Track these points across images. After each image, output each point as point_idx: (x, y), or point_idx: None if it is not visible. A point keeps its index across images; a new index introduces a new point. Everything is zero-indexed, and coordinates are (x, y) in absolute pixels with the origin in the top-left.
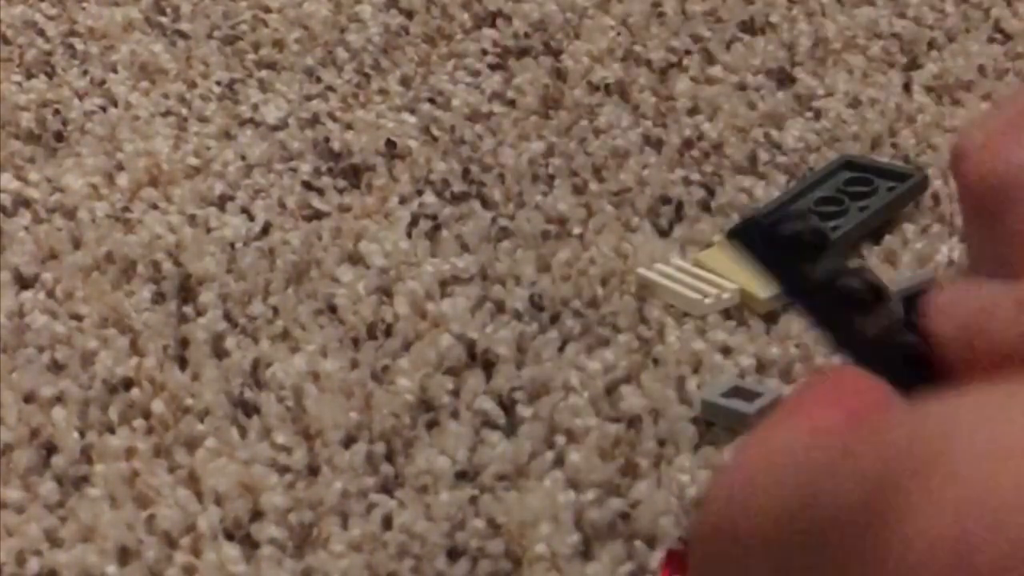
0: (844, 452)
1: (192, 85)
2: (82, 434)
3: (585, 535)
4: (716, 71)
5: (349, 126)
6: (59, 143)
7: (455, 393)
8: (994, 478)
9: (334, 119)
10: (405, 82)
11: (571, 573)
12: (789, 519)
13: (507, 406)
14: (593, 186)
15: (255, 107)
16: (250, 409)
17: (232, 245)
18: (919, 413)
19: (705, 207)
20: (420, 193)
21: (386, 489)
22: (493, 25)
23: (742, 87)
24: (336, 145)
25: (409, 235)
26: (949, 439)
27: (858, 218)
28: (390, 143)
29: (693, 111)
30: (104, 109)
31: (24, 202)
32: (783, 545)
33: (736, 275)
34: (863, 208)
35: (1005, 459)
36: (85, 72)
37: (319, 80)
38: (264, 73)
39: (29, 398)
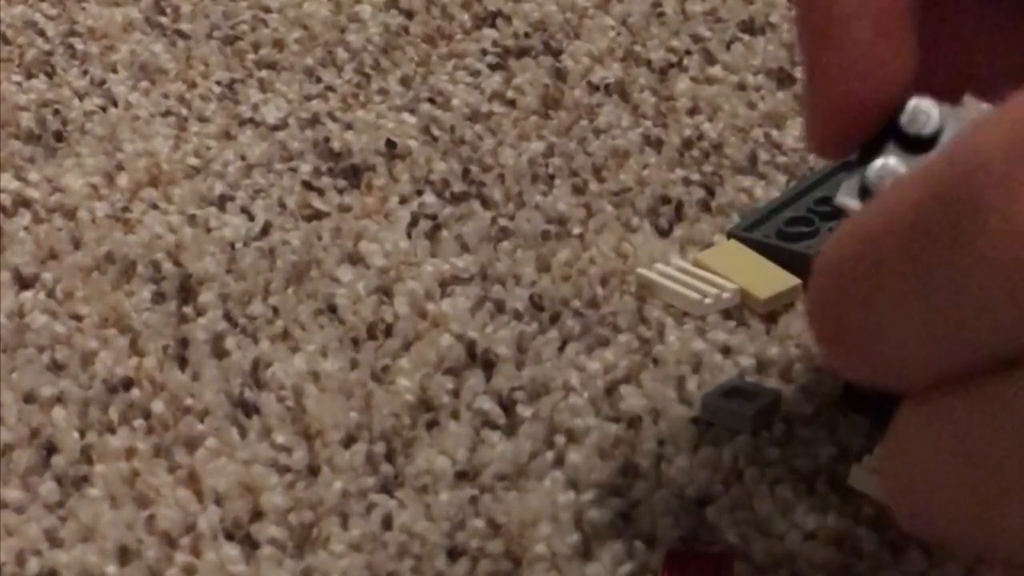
0: (960, 144)
1: (192, 85)
2: (82, 434)
3: (585, 535)
4: (716, 71)
5: (349, 126)
6: (59, 143)
7: (455, 393)
8: None
9: (334, 119)
10: (405, 82)
11: (571, 573)
12: (923, 209)
13: (507, 406)
14: (593, 186)
15: (255, 107)
16: (250, 409)
17: (232, 245)
18: None
19: (705, 207)
20: (420, 193)
21: (386, 489)
22: (493, 25)
23: (742, 87)
24: (336, 145)
25: (409, 235)
26: None
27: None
28: (390, 143)
29: (693, 111)
30: (104, 109)
31: (24, 202)
32: (914, 236)
33: (736, 275)
34: None
35: None
36: (85, 72)
37: (319, 80)
38: (264, 73)
39: (29, 398)
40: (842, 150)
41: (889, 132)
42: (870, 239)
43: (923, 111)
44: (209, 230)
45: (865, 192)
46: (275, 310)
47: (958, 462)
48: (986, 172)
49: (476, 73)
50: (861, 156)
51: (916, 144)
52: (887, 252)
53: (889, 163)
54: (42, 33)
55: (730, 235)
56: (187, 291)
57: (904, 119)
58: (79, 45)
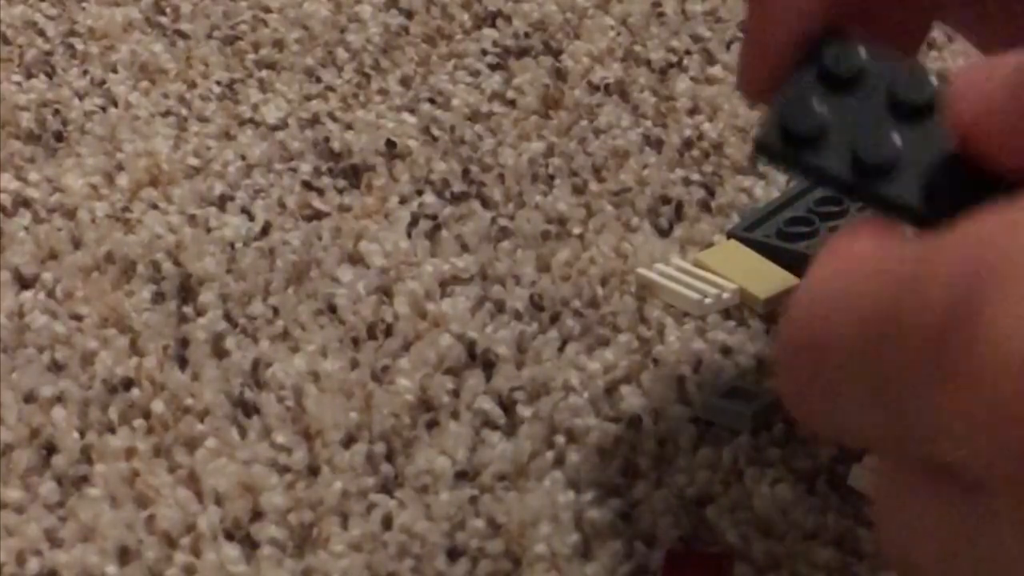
0: (924, 260)
1: (192, 85)
2: (82, 434)
3: (585, 535)
4: (716, 71)
5: (349, 126)
6: (59, 143)
7: (455, 393)
8: None
9: (334, 119)
10: (405, 82)
11: (571, 573)
12: (873, 325)
13: (507, 406)
14: (593, 186)
15: (255, 107)
16: (250, 409)
17: (232, 245)
18: (1003, 221)
19: (705, 207)
20: (420, 193)
21: (386, 489)
22: (493, 25)
23: None
24: (336, 145)
25: (409, 235)
26: None
27: (857, 217)
28: (390, 143)
29: (693, 111)
30: (104, 109)
31: (24, 202)
32: (865, 352)
33: (736, 275)
34: (862, 208)
35: None
36: (85, 72)
37: (319, 80)
38: (264, 73)
39: (29, 398)
40: (761, 90)
41: (815, 72)
42: (827, 333)
43: (845, 52)
44: (209, 230)
45: (786, 134)
46: (275, 310)
47: (939, 544)
48: (946, 296)
49: (476, 73)
50: (783, 95)
51: (840, 83)
52: (841, 351)
53: (806, 103)
54: (42, 33)
55: (730, 235)
56: (187, 291)
57: (827, 59)
58: (79, 45)
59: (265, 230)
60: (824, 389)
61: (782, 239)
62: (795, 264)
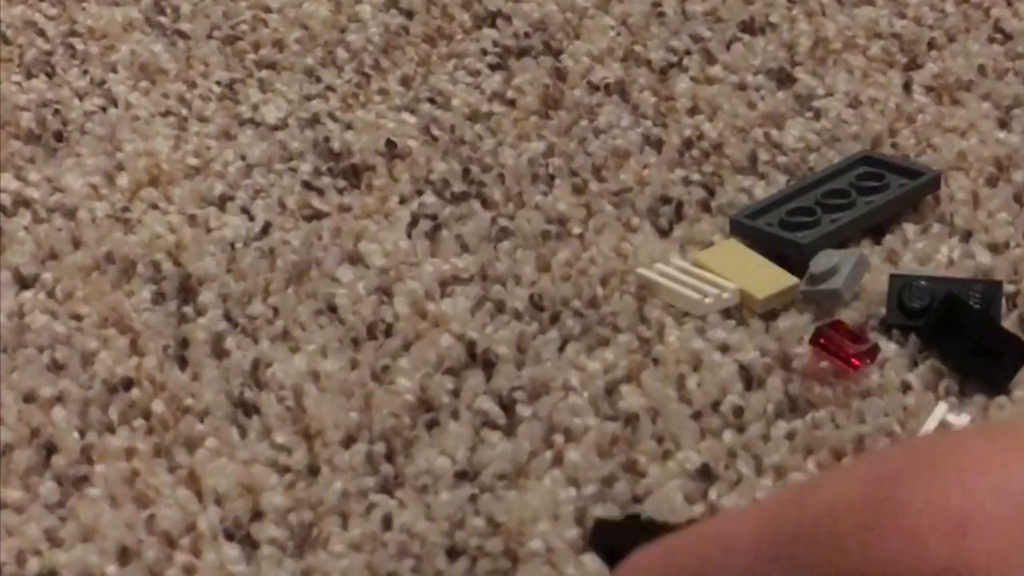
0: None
1: (192, 85)
2: (82, 434)
3: (585, 530)
4: (716, 71)
5: (349, 126)
6: (59, 143)
7: (455, 393)
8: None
9: (334, 119)
10: (405, 82)
11: (570, 570)
12: (779, 523)
13: (507, 406)
14: (593, 186)
15: (255, 107)
16: (250, 409)
17: (232, 245)
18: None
19: (705, 207)
20: (420, 193)
21: (386, 489)
22: (493, 25)
23: (742, 87)
24: (336, 145)
25: (409, 235)
26: (950, 446)
27: (861, 211)
28: (390, 143)
29: (693, 111)
30: (104, 109)
31: (24, 202)
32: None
33: (736, 275)
34: (869, 202)
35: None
36: (85, 72)
37: (319, 80)
38: (264, 73)
39: (29, 398)
40: None
41: None
42: (702, 563)
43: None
44: (209, 230)
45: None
46: (275, 310)
47: None
48: (844, 516)
49: (476, 73)
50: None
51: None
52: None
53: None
54: (42, 33)
55: (732, 221)
56: (187, 291)
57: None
58: (79, 45)
59: (265, 230)
60: None
61: (783, 228)
62: (792, 254)
